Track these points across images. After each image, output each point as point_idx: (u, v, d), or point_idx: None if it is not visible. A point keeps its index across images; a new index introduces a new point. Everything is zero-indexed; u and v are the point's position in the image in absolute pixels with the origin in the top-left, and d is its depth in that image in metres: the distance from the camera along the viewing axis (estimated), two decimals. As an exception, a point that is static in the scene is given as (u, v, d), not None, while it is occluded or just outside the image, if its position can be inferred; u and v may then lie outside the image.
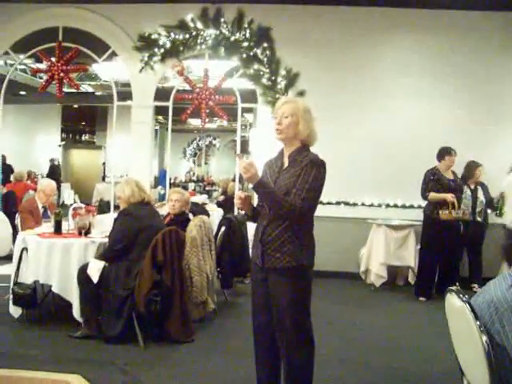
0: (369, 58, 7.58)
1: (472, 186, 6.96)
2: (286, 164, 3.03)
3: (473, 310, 2.25)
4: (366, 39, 7.56)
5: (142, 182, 5.10)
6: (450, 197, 6.36)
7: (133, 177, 5.54)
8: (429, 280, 6.61)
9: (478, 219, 6.93)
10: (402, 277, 7.37)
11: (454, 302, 2.40)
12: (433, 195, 6.50)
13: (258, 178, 2.88)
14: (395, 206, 7.58)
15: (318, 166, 2.93)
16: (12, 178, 10.98)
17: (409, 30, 7.55)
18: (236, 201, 3.03)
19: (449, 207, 6.34)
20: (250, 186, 2.93)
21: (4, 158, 8.52)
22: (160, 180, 14.55)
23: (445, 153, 6.57)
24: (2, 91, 8.24)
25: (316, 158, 2.97)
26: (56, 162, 17.27)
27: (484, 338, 2.17)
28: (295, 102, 3.14)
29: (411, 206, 7.42)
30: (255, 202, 3.36)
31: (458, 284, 6.00)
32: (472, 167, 6.98)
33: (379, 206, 7.61)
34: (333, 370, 4.13)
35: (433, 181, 6.53)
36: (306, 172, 2.90)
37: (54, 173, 16.11)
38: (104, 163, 18.51)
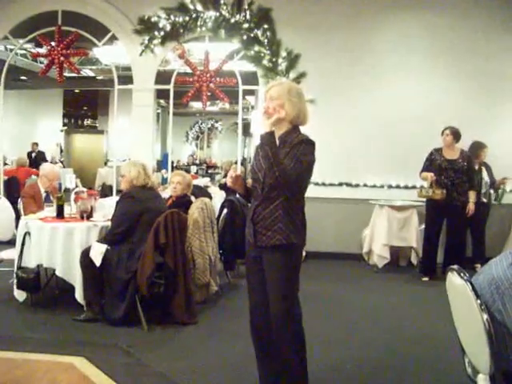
0: (369, 37, 7.51)
1: (476, 167, 6.93)
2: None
3: (474, 289, 2.25)
4: (366, 18, 7.49)
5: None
6: (429, 176, 6.41)
7: (141, 160, 5.40)
8: (430, 260, 6.63)
9: (484, 200, 6.92)
10: (405, 257, 7.38)
11: (455, 280, 2.41)
12: (422, 174, 6.60)
13: (273, 128, 2.94)
14: (397, 186, 7.56)
15: (307, 143, 2.94)
16: (14, 163, 11.02)
17: (409, 8, 7.46)
18: (228, 179, 3.05)
19: (432, 186, 6.38)
20: (262, 132, 2.93)
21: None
22: (163, 163, 14.54)
23: (442, 132, 6.61)
24: (3, 76, 8.21)
25: (305, 138, 2.99)
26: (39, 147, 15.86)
27: (485, 316, 2.18)
28: (281, 84, 3.14)
29: (414, 187, 7.37)
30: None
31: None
32: (476, 148, 6.95)
33: (381, 186, 7.59)
34: (335, 351, 4.15)
35: (428, 160, 6.62)
36: (295, 149, 2.92)
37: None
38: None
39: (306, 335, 3.08)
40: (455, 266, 2.44)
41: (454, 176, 6.46)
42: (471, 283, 2.28)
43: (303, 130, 3.07)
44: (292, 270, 3.03)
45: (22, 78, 14.30)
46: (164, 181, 10.47)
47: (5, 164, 9.78)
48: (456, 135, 6.54)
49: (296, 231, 2.98)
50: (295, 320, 3.04)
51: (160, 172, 11.53)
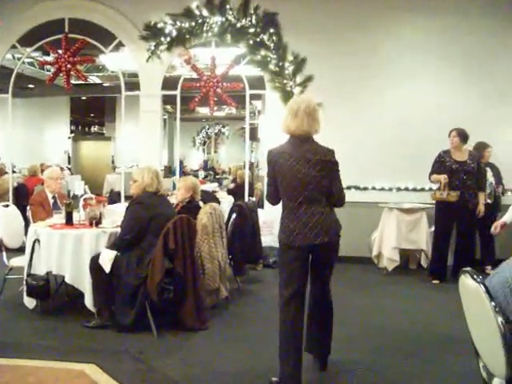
0: (378, 39, 7.49)
1: (481, 168, 6.90)
2: None
3: (487, 291, 2.22)
4: (374, 20, 7.47)
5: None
6: (442, 178, 6.38)
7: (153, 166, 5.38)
8: (440, 262, 6.59)
9: (488, 201, 6.87)
10: (415, 260, 7.34)
11: (468, 283, 2.38)
12: (433, 177, 6.58)
13: None
14: (406, 189, 7.54)
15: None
16: (26, 172, 11.05)
17: (418, 10, 7.43)
18: None
19: (443, 188, 6.35)
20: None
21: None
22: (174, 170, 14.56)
23: (449, 134, 6.57)
24: (11, 85, 8.26)
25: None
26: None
27: (499, 318, 2.15)
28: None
29: (422, 189, 7.36)
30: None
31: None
32: (480, 148, 6.93)
33: (390, 189, 7.57)
34: (346, 354, 4.12)
35: (438, 163, 6.57)
36: None
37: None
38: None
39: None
40: (468, 268, 2.42)
41: (466, 178, 6.42)
42: (485, 285, 2.25)
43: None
44: (281, 262, 3.61)
45: (29, 85, 14.37)
46: (174, 187, 10.49)
47: (13, 172, 9.78)
48: (463, 136, 6.49)
49: (281, 231, 3.54)
50: (280, 299, 3.52)
51: (170, 178, 11.55)
